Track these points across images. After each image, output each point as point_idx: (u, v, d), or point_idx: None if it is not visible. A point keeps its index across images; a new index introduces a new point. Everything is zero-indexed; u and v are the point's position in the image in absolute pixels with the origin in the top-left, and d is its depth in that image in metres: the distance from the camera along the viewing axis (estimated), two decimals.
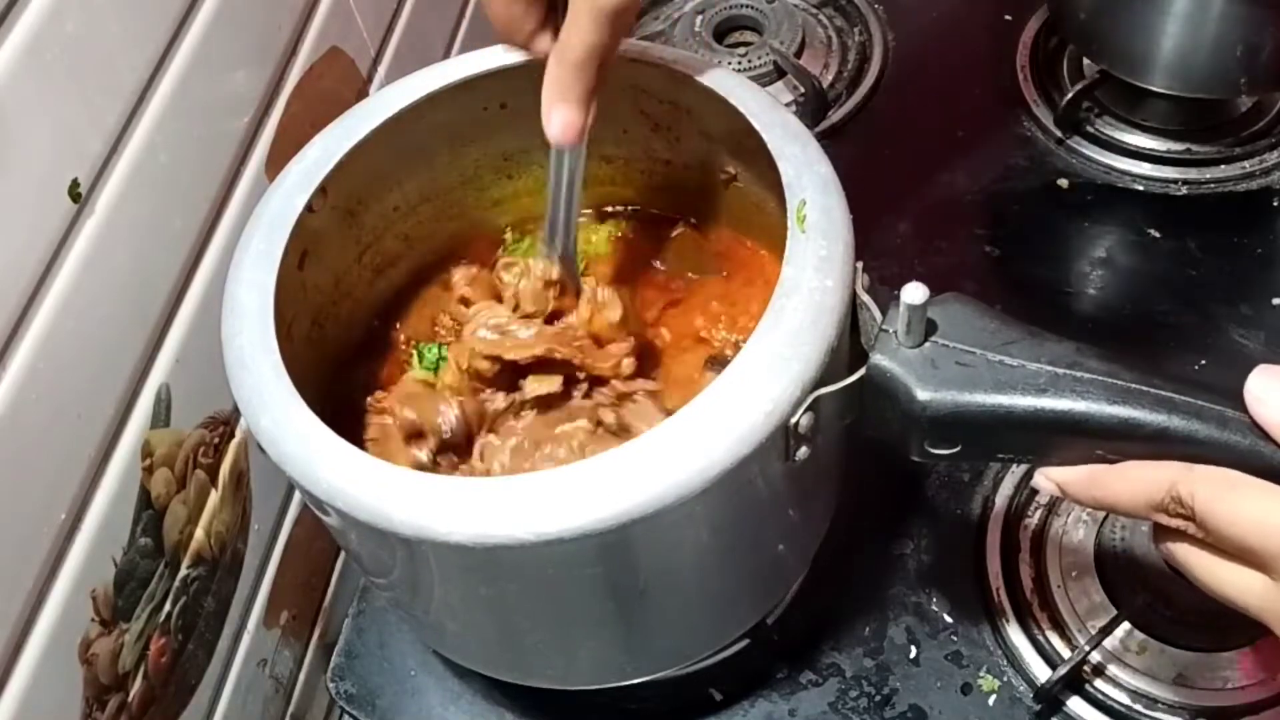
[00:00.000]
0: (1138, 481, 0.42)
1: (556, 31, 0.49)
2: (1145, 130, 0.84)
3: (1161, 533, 0.43)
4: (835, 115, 0.89)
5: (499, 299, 0.56)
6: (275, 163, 0.62)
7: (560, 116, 0.49)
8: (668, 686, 0.63)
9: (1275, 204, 0.80)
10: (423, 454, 0.52)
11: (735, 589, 0.54)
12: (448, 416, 0.52)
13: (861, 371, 0.46)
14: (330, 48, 0.67)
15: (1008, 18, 0.93)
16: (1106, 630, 0.62)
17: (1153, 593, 0.62)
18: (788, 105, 0.85)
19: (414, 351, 0.60)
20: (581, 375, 0.53)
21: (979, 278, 0.78)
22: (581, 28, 0.47)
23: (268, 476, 0.65)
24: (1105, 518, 0.66)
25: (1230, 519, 0.39)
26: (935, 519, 0.69)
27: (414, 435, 0.52)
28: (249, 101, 0.61)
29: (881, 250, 0.79)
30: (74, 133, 0.49)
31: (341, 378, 0.59)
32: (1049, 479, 0.46)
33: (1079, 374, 0.43)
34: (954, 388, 0.44)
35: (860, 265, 0.48)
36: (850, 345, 0.48)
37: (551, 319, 0.55)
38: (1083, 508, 0.67)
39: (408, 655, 0.68)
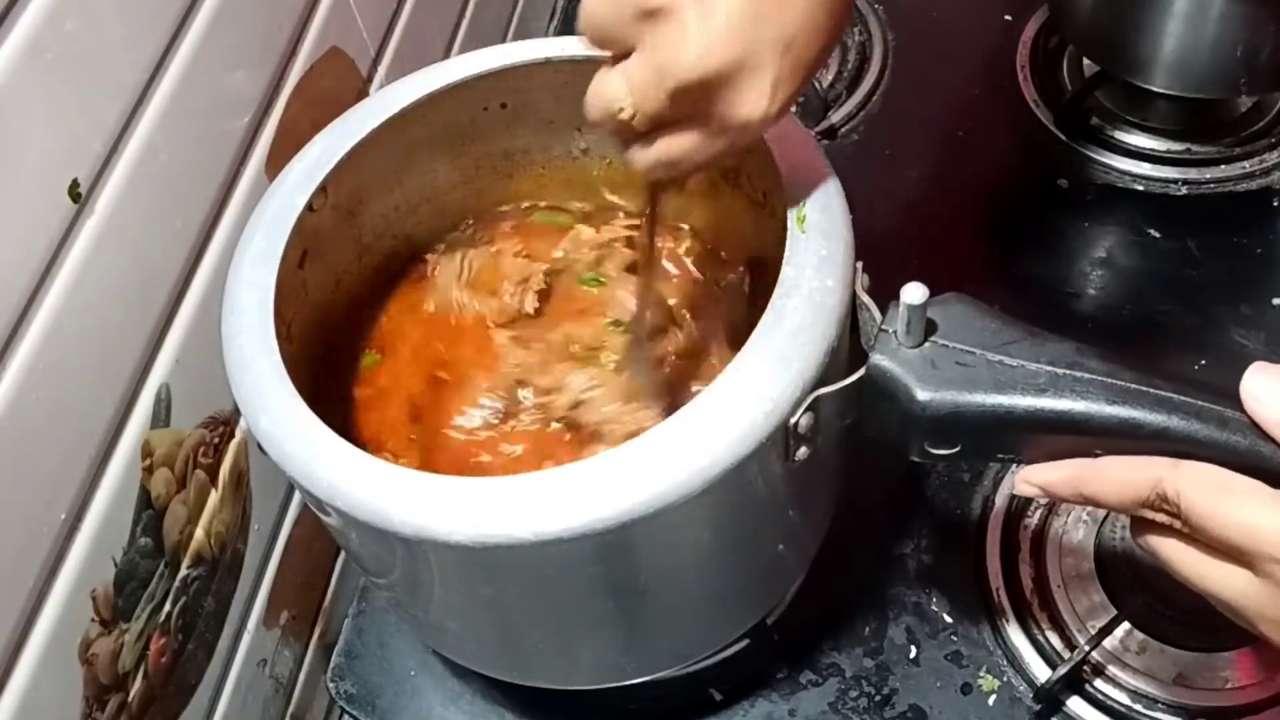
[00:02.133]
0: (1122, 479, 0.42)
1: None
2: (1145, 130, 0.84)
3: (1141, 526, 0.43)
4: (835, 115, 0.89)
5: None
6: (275, 163, 0.62)
7: None
8: (668, 686, 0.63)
9: (1275, 204, 0.80)
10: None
11: (735, 589, 0.54)
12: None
13: (861, 371, 0.46)
14: (330, 48, 0.67)
15: (1008, 18, 0.93)
16: (1106, 630, 0.62)
17: (1153, 593, 0.62)
18: None
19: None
20: None
21: (979, 278, 0.78)
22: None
23: (268, 476, 0.65)
24: (1105, 518, 0.66)
25: (1217, 518, 0.39)
26: (935, 519, 0.69)
27: None
28: (249, 101, 0.61)
29: (882, 250, 0.79)
30: (74, 133, 0.49)
31: (341, 377, 0.59)
32: (1030, 483, 0.46)
33: (1079, 374, 0.43)
34: (954, 388, 0.44)
35: (860, 265, 0.48)
36: (850, 345, 0.48)
37: None
38: (1083, 507, 0.67)
39: (408, 655, 0.68)
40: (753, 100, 0.42)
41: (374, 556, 0.51)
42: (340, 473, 0.44)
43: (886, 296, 0.47)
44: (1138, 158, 0.83)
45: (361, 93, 0.71)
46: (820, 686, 0.64)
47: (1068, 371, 0.43)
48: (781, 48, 0.41)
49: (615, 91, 0.42)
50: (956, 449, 0.46)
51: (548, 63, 0.56)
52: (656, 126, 0.43)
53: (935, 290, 0.45)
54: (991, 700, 0.62)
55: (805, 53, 0.42)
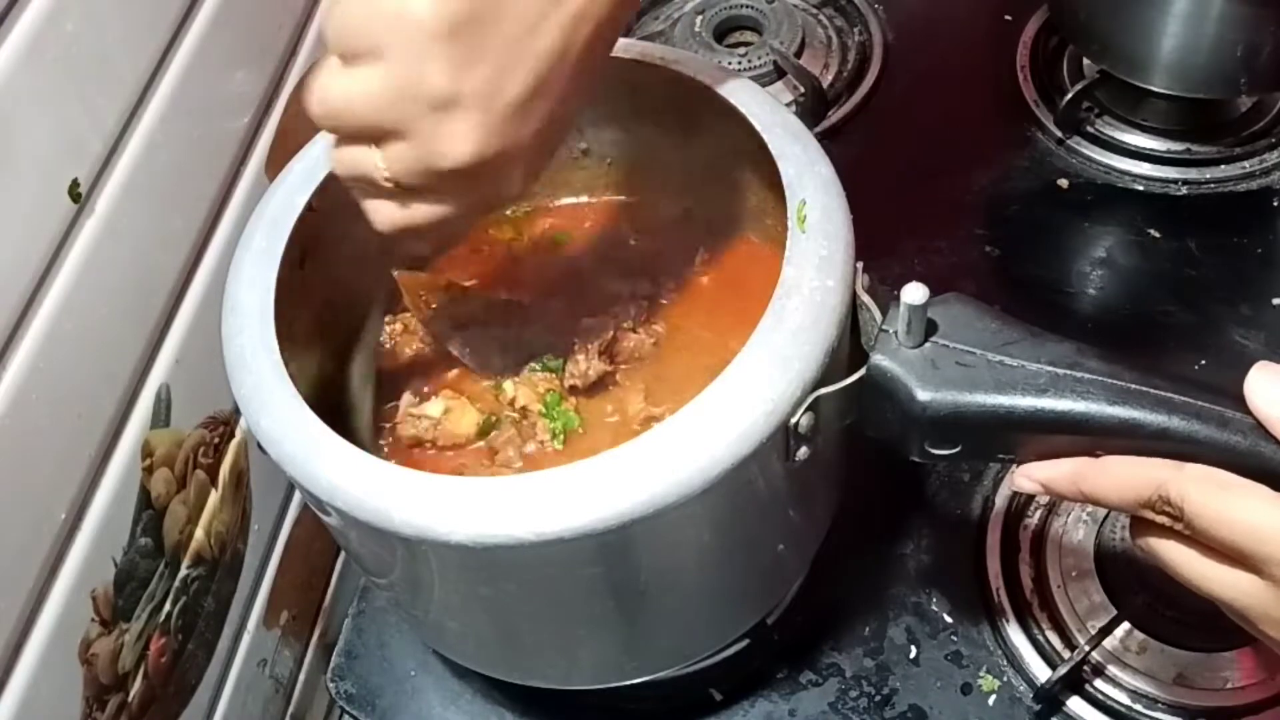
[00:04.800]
0: (1124, 478, 0.42)
1: None
2: (1145, 130, 0.84)
3: (1142, 527, 0.43)
4: (835, 115, 0.89)
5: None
6: (275, 163, 0.62)
7: None
8: (668, 686, 0.63)
9: (1275, 204, 0.80)
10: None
11: (735, 589, 0.54)
12: None
13: (862, 371, 0.46)
14: None
15: (1008, 18, 0.93)
16: (1106, 630, 0.62)
17: (1153, 593, 0.62)
18: (788, 105, 0.85)
19: None
20: None
21: (979, 278, 0.78)
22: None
23: (268, 476, 0.65)
24: (1105, 518, 0.66)
25: (1222, 521, 0.39)
26: (935, 519, 0.69)
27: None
28: (249, 101, 0.61)
29: (881, 250, 0.79)
30: (74, 133, 0.49)
31: (342, 377, 0.59)
32: (1031, 478, 0.46)
33: (1079, 374, 0.43)
34: (954, 388, 0.44)
35: (860, 265, 0.48)
36: (850, 345, 0.48)
37: None
38: (1083, 507, 0.67)
39: (408, 655, 0.68)
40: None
41: (374, 556, 0.51)
42: (340, 473, 0.44)
43: (886, 297, 0.47)
44: (1138, 158, 0.83)
45: None
46: (820, 686, 0.64)
47: (1068, 372, 0.43)
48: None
49: (369, 163, 0.42)
50: (957, 449, 0.46)
51: None
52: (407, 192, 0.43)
53: (935, 290, 0.45)
54: (991, 700, 0.62)
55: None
